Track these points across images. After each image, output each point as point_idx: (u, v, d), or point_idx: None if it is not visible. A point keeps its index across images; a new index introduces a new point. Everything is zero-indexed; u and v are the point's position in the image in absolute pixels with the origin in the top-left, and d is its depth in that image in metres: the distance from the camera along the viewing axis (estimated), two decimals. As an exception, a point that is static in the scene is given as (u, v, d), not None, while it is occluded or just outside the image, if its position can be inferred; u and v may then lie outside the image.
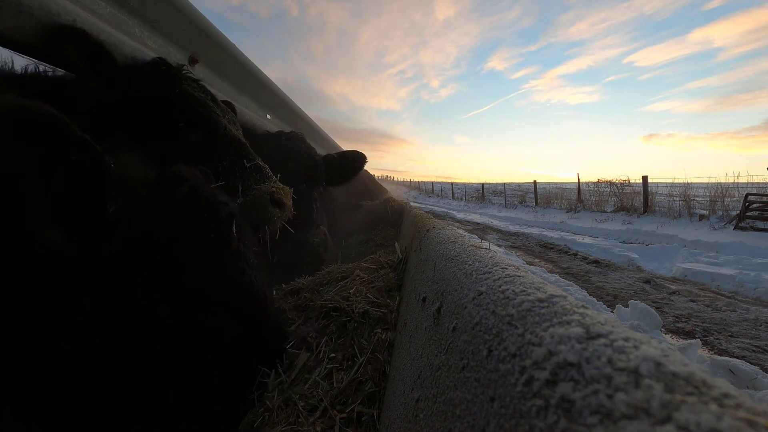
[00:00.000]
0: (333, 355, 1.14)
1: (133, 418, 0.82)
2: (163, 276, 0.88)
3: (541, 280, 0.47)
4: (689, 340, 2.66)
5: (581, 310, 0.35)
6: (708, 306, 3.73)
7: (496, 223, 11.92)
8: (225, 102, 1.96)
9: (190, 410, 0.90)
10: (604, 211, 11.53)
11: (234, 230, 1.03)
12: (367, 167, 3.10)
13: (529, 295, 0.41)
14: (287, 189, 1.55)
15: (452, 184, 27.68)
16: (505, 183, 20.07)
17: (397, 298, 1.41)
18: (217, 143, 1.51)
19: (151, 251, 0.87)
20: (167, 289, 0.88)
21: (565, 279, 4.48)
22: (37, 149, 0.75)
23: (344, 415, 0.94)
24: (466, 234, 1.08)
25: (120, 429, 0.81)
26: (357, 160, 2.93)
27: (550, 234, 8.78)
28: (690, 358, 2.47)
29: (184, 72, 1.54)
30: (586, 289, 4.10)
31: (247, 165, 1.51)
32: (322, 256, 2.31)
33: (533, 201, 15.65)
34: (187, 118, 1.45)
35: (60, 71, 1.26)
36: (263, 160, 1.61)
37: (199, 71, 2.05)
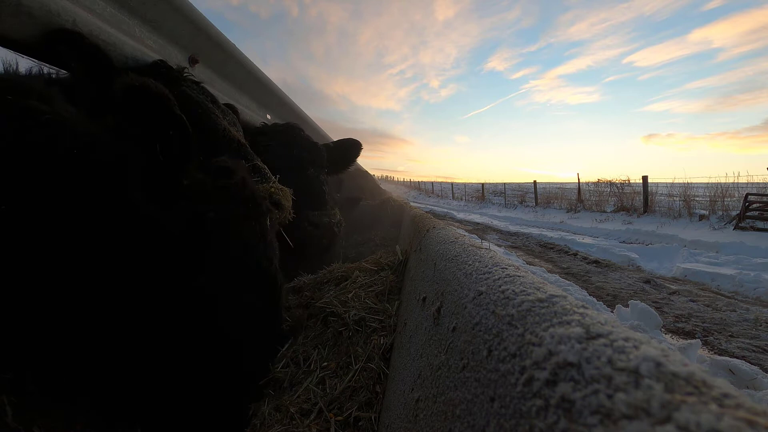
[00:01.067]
0: (325, 363, 1.14)
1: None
2: (213, 246, 0.97)
3: (541, 280, 0.47)
4: (689, 340, 2.65)
5: (581, 310, 0.35)
6: (708, 306, 3.73)
7: (496, 223, 11.91)
8: (227, 104, 1.97)
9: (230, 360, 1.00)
10: (604, 211, 11.52)
11: (268, 223, 1.15)
12: (367, 167, 3.19)
13: (529, 295, 0.41)
14: (287, 190, 1.55)
15: (452, 184, 27.67)
16: (505, 183, 20.05)
17: (396, 302, 1.40)
18: (216, 144, 1.51)
19: (205, 226, 0.97)
20: (213, 260, 0.97)
21: (565, 279, 4.47)
22: (147, 119, 0.88)
23: (341, 418, 0.93)
24: (466, 234, 1.08)
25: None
26: (353, 147, 3.01)
27: (550, 234, 8.78)
28: (690, 358, 2.47)
29: (184, 74, 1.55)
30: (586, 289, 4.09)
31: (246, 165, 1.51)
32: (337, 236, 2.36)
33: (533, 201, 15.64)
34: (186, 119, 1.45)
35: (64, 72, 1.26)
36: (266, 150, 1.62)
37: (199, 71, 2.05)
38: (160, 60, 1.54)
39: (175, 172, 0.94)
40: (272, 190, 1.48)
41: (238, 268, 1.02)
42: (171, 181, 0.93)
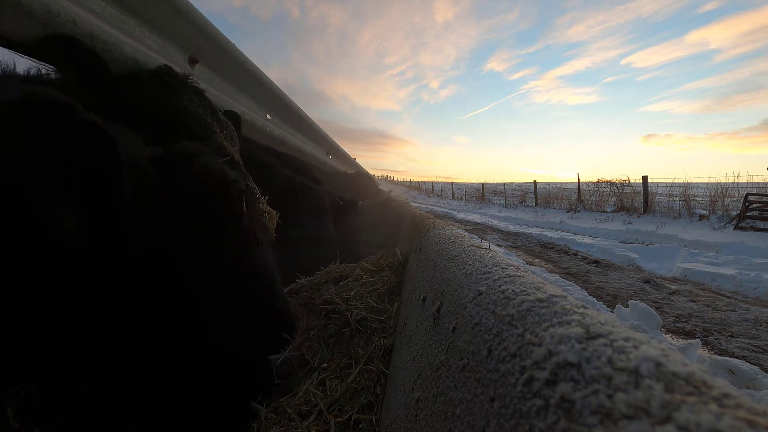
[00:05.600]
0: (325, 365, 1.14)
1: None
2: (175, 260, 0.87)
3: (541, 280, 0.47)
4: (689, 340, 2.65)
5: (581, 310, 0.35)
6: (708, 306, 3.72)
7: (496, 223, 11.91)
8: (229, 112, 1.94)
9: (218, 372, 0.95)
10: (604, 211, 11.52)
11: (244, 207, 1.04)
12: (367, 167, 3.39)
13: (529, 295, 0.41)
14: (273, 213, 1.52)
15: (452, 184, 27.66)
16: (505, 183, 20.04)
17: (396, 303, 1.40)
18: None
19: (164, 235, 0.86)
20: (180, 274, 0.88)
21: (565, 279, 4.47)
22: (49, 138, 0.71)
23: (341, 419, 0.93)
24: (466, 234, 1.08)
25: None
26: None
27: (550, 234, 8.77)
28: (690, 358, 2.47)
29: (189, 82, 1.52)
30: (586, 289, 4.09)
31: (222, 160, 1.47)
32: None
33: (533, 201, 15.63)
34: (180, 134, 1.42)
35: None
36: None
37: (199, 71, 2.05)
38: (165, 65, 1.52)
39: (108, 183, 0.81)
40: (259, 212, 1.45)
41: (219, 275, 0.95)
42: (106, 194, 0.80)
